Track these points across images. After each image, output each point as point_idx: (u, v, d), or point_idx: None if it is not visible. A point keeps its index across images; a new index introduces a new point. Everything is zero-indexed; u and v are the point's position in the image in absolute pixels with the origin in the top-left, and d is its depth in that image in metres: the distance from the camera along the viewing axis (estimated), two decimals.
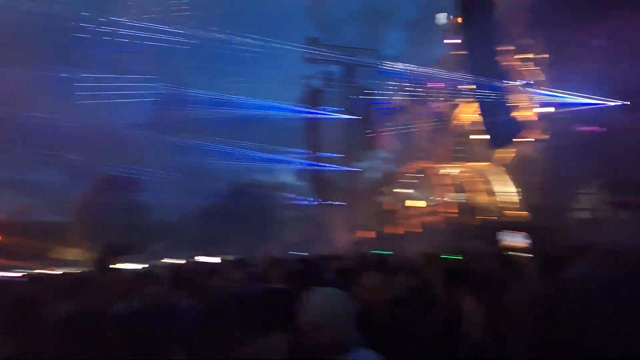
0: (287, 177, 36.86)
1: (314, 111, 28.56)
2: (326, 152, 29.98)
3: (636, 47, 13.20)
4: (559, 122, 15.65)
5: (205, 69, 26.94)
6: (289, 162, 31.31)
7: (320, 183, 30.70)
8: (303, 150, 30.23)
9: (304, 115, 28.79)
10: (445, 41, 24.17)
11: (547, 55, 16.50)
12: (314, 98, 29.21)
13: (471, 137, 20.36)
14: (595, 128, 14.70)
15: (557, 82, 15.63)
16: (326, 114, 28.79)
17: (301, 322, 2.03)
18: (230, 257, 9.55)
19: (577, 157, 13.76)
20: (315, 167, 29.44)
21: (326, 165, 29.69)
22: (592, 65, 14.88)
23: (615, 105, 13.96)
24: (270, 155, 28.42)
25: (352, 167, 29.43)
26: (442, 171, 19.88)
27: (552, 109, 15.71)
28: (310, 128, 29.81)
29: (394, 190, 24.94)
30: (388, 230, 21.95)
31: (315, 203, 31.49)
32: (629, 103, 13.78)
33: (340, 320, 1.96)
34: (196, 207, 29.82)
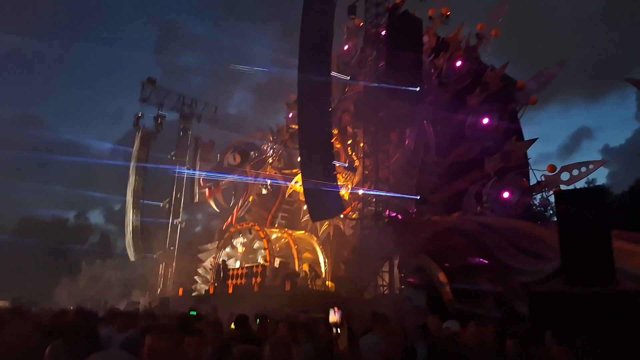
0: (98, 219, 33.02)
1: (140, 154, 26.61)
2: (146, 199, 27.80)
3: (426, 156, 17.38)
4: (368, 205, 17.71)
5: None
6: (102, 205, 28.00)
7: (135, 232, 28.00)
8: (119, 195, 27.55)
9: (128, 156, 26.63)
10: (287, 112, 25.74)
11: (366, 146, 18.77)
12: (142, 140, 27.29)
13: (301, 206, 21.45)
14: (396, 213, 17.19)
15: (372, 171, 17.84)
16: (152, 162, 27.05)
17: None
18: None
19: (381, 236, 15.71)
20: (132, 215, 26.83)
21: (144, 215, 27.38)
22: (395, 164, 17.91)
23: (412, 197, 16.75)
24: (81, 193, 25.12)
25: (174, 219, 27.65)
26: (261, 234, 20.18)
27: (361, 192, 17.74)
28: (133, 171, 27.48)
29: (210, 247, 24.22)
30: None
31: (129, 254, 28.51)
32: (418, 197, 16.73)
33: None
34: None
